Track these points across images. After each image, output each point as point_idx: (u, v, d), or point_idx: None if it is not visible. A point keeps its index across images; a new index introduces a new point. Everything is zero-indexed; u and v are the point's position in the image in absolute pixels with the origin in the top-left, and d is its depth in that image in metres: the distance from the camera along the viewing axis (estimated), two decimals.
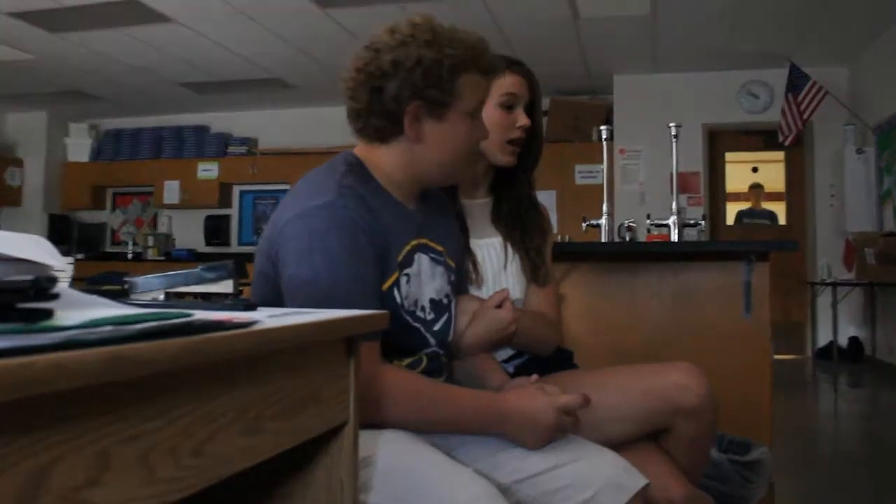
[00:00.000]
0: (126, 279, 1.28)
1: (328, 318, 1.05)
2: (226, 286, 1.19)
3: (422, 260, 1.73)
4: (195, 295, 1.28)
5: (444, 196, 1.97)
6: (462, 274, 1.98)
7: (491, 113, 2.08)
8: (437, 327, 1.77)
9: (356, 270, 1.53)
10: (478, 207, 2.22)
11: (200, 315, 0.84)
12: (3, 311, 0.70)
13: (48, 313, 0.73)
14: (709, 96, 8.76)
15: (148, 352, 0.69)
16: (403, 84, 1.61)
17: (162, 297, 1.27)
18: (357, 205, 1.57)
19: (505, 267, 2.15)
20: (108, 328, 0.69)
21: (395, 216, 1.67)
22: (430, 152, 1.67)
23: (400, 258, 1.66)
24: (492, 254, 2.16)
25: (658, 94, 8.80)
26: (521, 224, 2.20)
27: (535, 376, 1.78)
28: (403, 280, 1.66)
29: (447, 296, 1.81)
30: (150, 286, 1.29)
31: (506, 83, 2.12)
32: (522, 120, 2.12)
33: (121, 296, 1.20)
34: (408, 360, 1.71)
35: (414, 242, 1.71)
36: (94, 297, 0.83)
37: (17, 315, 0.71)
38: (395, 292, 1.64)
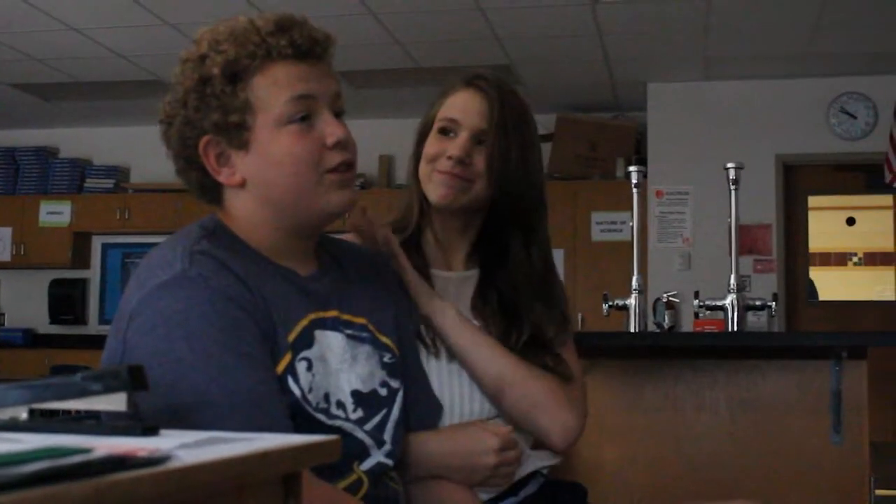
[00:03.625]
0: None
1: (263, 449, 1.12)
2: (117, 401, 1.27)
3: (328, 339, 1.83)
4: (71, 413, 1.35)
5: (381, 262, 2.08)
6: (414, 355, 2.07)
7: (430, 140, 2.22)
8: (369, 426, 1.84)
9: (241, 353, 1.64)
10: (455, 284, 2.25)
11: (101, 447, 0.91)
12: None
13: None
14: (785, 115, 8.84)
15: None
16: (183, 122, 1.78)
17: (24, 415, 1.33)
18: (217, 272, 1.69)
19: None
20: None
21: (278, 286, 1.78)
22: (265, 192, 1.81)
23: (291, 338, 1.76)
24: None
25: (711, 111, 8.92)
26: (513, 314, 2.20)
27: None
28: (301, 366, 1.76)
29: (384, 384, 1.90)
30: (7, 400, 1.35)
31: (448, 104, 2.23)
32: (451, 149, 2.18)
33: None
34: (341, 484, 1.78)
35: (312, 317, 1.81)
36: None
37: None
38: (292, 382, 1.74)
